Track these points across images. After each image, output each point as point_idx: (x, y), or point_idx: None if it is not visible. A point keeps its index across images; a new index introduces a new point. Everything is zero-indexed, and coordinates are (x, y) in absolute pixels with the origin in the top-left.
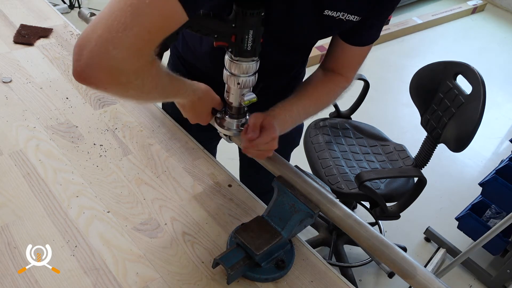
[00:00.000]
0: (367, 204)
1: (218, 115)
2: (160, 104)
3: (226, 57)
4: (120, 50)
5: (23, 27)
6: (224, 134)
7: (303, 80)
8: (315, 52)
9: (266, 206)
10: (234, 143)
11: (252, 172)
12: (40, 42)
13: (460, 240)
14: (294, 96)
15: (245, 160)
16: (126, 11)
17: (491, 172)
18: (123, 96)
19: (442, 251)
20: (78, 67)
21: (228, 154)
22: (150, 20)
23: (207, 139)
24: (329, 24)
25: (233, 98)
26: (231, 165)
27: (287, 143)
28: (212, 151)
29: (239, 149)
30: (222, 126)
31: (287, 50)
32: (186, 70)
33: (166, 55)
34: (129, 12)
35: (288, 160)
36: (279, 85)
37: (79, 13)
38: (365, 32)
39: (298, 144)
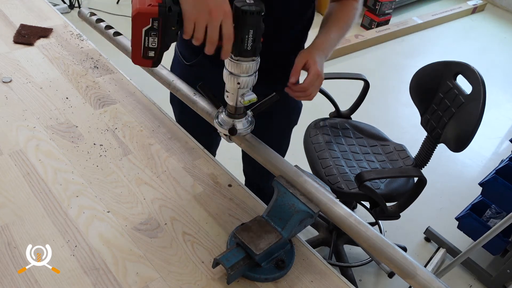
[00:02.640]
0: (367, 204)
1: (220, 110)
2: (160, 104)
3: None
4: None
5: (23, 27)
6: (224, 134)
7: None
8: None
9: (266, 206)
10: (234, 143)
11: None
12: (40, 42)
13: (460, 240)
14: (324, 24)
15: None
16: None
17: (491, 172)
18: None
19: (442, 251)
20: None
21: (228, 154)
22: None
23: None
24: None
25: (232, 98)
26: (231, 165)
27: (288, 122)
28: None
29: (243, 151)
30: (221, 125)
31: None
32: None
33: (167, 54)
34: None
35: (289, 139)
36: (293, 35)
37: (79, 13)
38: None
39: (296, 123)
